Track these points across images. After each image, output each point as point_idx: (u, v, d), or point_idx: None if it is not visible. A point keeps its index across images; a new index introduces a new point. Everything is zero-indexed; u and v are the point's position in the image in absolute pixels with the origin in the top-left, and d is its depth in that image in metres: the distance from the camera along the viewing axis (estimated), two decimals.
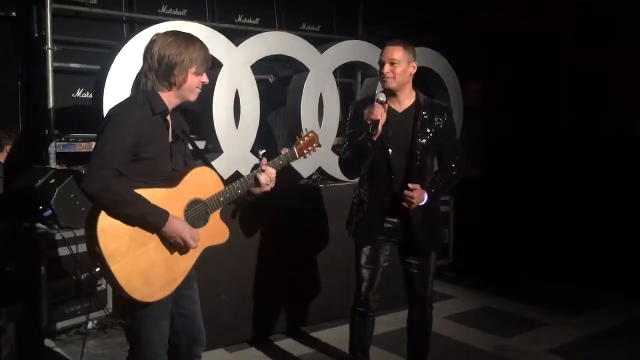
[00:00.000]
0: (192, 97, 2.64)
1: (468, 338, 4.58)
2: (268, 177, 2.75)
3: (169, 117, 2.62)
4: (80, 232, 4.24)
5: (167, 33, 2.61)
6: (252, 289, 4.32)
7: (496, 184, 5.98)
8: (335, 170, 4.94)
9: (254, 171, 2.78)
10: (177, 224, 2.50)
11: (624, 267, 5.79)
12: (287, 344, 4.42)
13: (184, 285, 2.68)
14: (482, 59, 6.71)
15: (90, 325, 4.43)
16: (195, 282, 2.84)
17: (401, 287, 3.58)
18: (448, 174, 3.42)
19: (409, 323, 3.58)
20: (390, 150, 3.28)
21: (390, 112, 3.26)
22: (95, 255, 2.42)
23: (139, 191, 2.45)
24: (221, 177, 2.76)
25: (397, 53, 3.24)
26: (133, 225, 2.43)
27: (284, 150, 2.91)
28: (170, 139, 2.62)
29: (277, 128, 5.69)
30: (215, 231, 2.71)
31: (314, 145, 2.98)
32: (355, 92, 6.65)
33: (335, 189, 4.78)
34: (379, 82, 3.36)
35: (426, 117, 3.31)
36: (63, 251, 4.21)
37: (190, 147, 2.80)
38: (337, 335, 4.36)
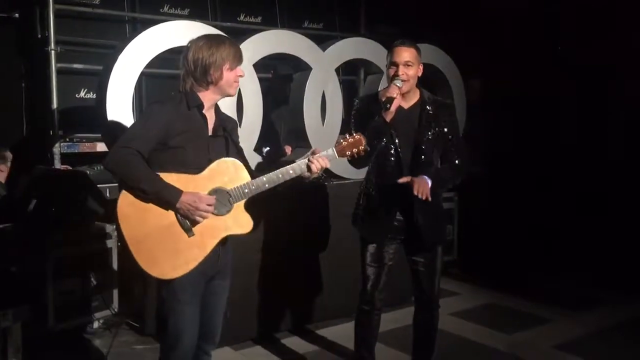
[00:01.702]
0: (232, 91, 2.80)
1: (472, 334, 4.58)
2: (319, 164, 2.78)
3: (207, 112, 2.73)
4: (85, 232, 4.28)
5: (198, 38, 2.75)
6: (257, 287, 4.33)
7: (500, 181, 5.98)
8: (339, 168, 4.94)
9: (291, 165, 2.78)
10: (189, 196, 2.58)
11: (627, 265, 5.78)
12: (293, 341, 4.42)
13: (216, 277, 2.79)
14: (483, 56, 6.70)
15: (95, 324, 4.45)
16: (228, 278, 2.90)
17: (406, 284, 3.58)
18: (452, 168, 3.39)
19: (415, 321, 3.57)
20: (398, 145, 3.28)
21: (397, 109, 3.26)
22: (117, 228, 2.59)
23: (160, 174, 2.58)
24: (252, 172, 2.79)
25: (411, 55, 3.23)
26: (148, 201, 2.57)
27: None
28: (209, 133, 2.74)
29: (280, 126, 5.69)
30: (239, 221, 2.74)
31: (360, 147, 2.89)
32: (358, 89, 6.67)
33: (340, 186, 4.78)
34: (387, 82, 3.33)
35: (431, 112, 3.32)
36: (69, 251, 4.23)
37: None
38: (343, 333, 4.36)
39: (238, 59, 2.76)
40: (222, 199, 2.67)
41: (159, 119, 2.62)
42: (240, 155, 2.87)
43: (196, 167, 2.66)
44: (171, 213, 2.61)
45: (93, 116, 4.50)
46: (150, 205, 2.57)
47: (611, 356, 4.31)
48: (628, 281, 5.56)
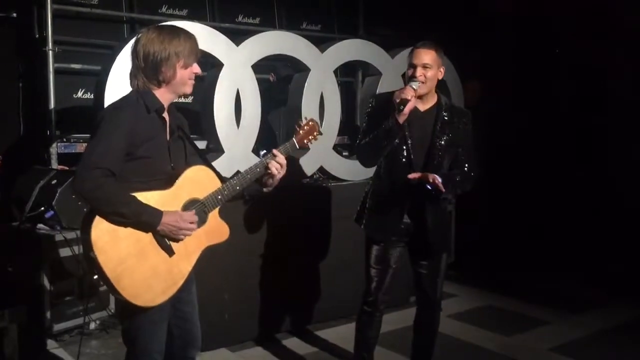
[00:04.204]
0: (187, 90, 2.59)
1: (470, 336, 4.58)
2: (278, 164, 2.72)
3: (165, 115, 2.58)
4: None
5: (150, 29, 2.54)
6: (257, 288, 4.32)
7: (497, 183, 5.97)
8: (336, 170, 4.95)
9: (257, 163, 2.73)
10: (170, 216, 2.44)
11: (625, 267, 5.78)
12: (293, 343, 4.41)
13: (183, 288, 2.63)
14: (482, 58, 6.71)
15: (92, 325, 4.43)
16: (194, 285, 2.79)
17: (405, 285, 3.58)
18: (462, 174, 3.35)
19: (416, 323, 3.58)
20: (410, 147, 3.26)
21: (413, 110, 3.24)
22: (91, 262, 2.38)
23: (135, 195, 2.42)
24: (219, 175, 2.70)
25: (430, 57, 3.20)
26: (127, 226, 2.39)
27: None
28: (168, 137, 2.58)
29: (278, 127, 5.68)
30: (215, 230, 2.66)
31: (315, 133, 2.89)
32: (356, 91, 6.66)
33: (341, 188, 4.78)
34: (405, 83, 3.31)
35: (446, 118, 3.30)
36: (65, 252, 4.20)
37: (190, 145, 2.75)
38: (343, 334, 4.36)
39: (194, 55, 2.53)
40: (198, 211, 2.57)
41: (122, 129, 2.39)
42: (198, 154, 2.75)
43: (161, 177, 2.51)
44: (147, 236, 2.45)
45: (91, 116, 4.47)
46: (126, 232, 2.39)
47: (608, 358, 4.31)
48: (626, 283, 5.56)
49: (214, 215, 2.65)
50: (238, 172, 2.79)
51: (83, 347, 4.19)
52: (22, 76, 5.28)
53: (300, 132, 2.88)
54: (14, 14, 5.18)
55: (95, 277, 2.40)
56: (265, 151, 5.11)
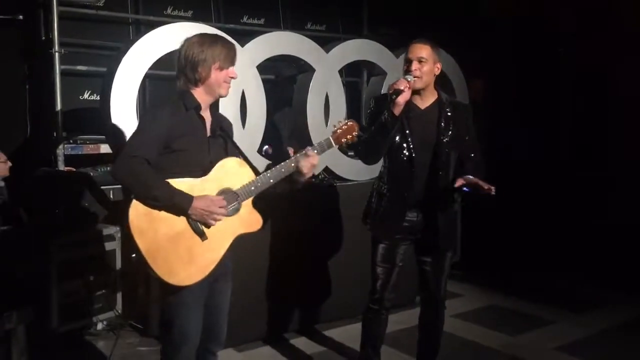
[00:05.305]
0: (223, 92, 2.76)
1: (475, 336, 4.59)
2: (310, 163, 2.79)
3: (204, 113, 2.74)
4: (89, 234, 4.29)
5: (194, 35, 2.75)
6: (265, 288, 4.34)
7: (501, 182, 5.95)
8: (342, 170, 4.96)
9: (292, 159, 2.80)
10: (200, 201, 2.59)
11: (628, 265, 5.77)
12: (300, 342, 4.43)
13: (220, 278, 2.79)
14: (482, 58, 6.71)
15: (99, 326, 4.46)
16: (230, 278, 2.92)
17: (412, 285, 3.58)
18: (479, 166, 3.34)
19: (421, 322, 3.59)
20: (412, 145, 3.27)
21: (413, 108, 3.26)
22: (132, 243, 2.56)
23: (168, 181, 2.59)
24: (255, 168, 2.81)
25: (425, 51, 3.23)
26: (160, 209, 2.56)
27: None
28: (208, 134, 2.74)
29: (283, 128, 5.69)
30: (248, 219, 2.77)
31: (354, 133, 2.93)
32: (361, 91, 6.66)
33: (349, 187, 4.79)
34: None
35: (449, 114, 3.31)
36: (72, 253, 4.23)
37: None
38: (350, 334, 4.36)
39: (230, 59, 2.73)
40: (231, 200, 2.69)
41: (161, 123, 2.61)
42: (239, 153, 2.87)
43: (198, 170, 2.67)
44: (182, 219, 2.61)
45: (97, 118, 4.51)
46: (161, 215, 2.57)
47: (613, 357, 4.32)
48: (629, 281, 5.56)
49: (247, 205, 2.76)
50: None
51: (89, 348, 4.23)
52: (29, 78, 5.31)
53: (338, 131, 2.92)
54: (20, 17, 5.21)
55: (134, 255, 2.57)
56: (267, 146, 5.13)
